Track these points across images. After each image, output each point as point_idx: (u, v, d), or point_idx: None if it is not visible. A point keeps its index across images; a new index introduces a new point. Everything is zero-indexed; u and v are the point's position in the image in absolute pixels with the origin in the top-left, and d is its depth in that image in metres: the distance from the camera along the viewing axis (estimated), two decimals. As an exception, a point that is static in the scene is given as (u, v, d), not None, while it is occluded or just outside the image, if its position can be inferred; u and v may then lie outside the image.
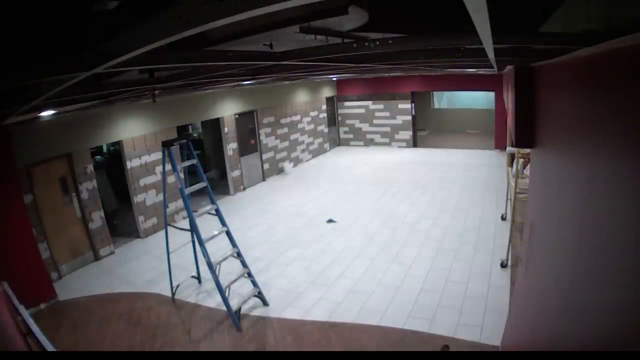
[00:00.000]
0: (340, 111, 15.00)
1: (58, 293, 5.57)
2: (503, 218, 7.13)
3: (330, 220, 7.69)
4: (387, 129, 14.30)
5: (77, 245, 6.51)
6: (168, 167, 7.93)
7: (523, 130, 2.66)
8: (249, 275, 5.08)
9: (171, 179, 8.02)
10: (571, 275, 1.36)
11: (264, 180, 11.12)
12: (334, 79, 12.24)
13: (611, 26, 1.01)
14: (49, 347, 2.60)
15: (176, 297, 5.33)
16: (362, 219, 7.85)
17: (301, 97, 12.60)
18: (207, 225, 5.64)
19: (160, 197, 7.57)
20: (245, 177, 10.45)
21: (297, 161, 12.53)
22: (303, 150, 12.89)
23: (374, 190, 9.64)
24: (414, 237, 6.80)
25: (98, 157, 10.76)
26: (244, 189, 10.38)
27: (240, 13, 0.77)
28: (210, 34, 1.69)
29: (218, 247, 5.24)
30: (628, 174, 0.85)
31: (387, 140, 14.38)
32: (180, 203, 8.26)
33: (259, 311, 4.93)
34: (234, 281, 4.83)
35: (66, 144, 6.28)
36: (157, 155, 7.67)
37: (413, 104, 13.93)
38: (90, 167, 6.76)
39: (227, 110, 9.73)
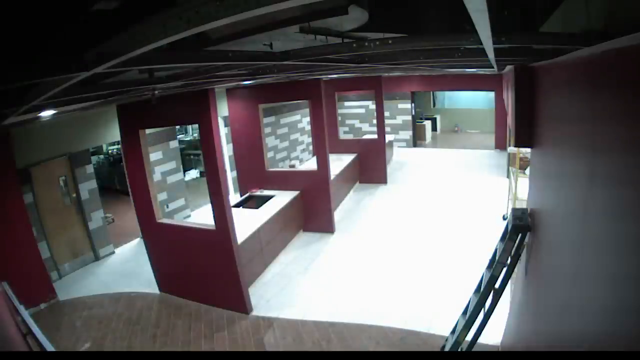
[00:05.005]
0: (340, 111, 14.98)
1: (58, 293, 5.57)
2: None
3: None
4: (387, 128, 14.29)
5: (77, 245, 6.51)
6: (170, 166, 7.97)
7: (523, 130, 2.66)
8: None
9: (171, 178, 8.05)
10: (571, 275, 1.36)
11: (264, 180, 11.12)
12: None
13: (611, 26, 1.00)
14: (49, 347, 2.59)
15: (177, 296, 5.33)
16: (361, 218, 7.85)
17: (301, 97, 12.59)
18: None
19: (162, 196, 7.57)
20: (245, 177, 10.43)
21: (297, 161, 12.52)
22: (303, 150, 12.88)
23: (374, 189, 9.63)
24: (413, 236, 6.80)
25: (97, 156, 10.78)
26: (244, 189, 10.37)
27: (240, 13, 0.77)
28: (210, 33, 1.69)
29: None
30: (628, 173, 0.85)
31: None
32: (180, 202, 8.27)
33: (259, 311, 4.93)
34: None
35: (66, 144, 6.28)
36: (158, 155, 7.67)
37: (413, 104, 13.93)
38: (90, 168, 6.76)
39: (227, 109, 9.72)
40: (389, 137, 11.75)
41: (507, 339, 3.55)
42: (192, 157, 11.97)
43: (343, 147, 10.21)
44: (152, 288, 5.63)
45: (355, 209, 8.37)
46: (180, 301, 5.29)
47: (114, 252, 7.02)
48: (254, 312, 4.91)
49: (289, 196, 6.95)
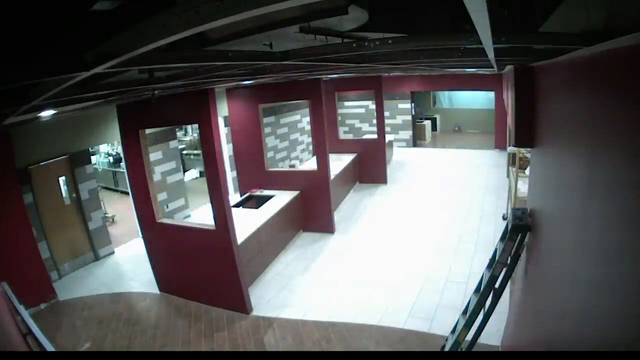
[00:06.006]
0: (340, 111, 14.98)
1: (58, 293, 5.57)
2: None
3: None
4: (387, 128, 14.29)
5: (77, 245, 6.51)
6: (170, 166, 7.96)
7: (523, 130, 2.66)
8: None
9: (171, 178, 8.05)
10: (571, 275, 1.36)
11: (264, 180, 11.11)
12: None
13: (611, 26, 1.00)
14: (49, 347, 2.59)
15: (177, 296, 5.33)
16: (361, 218, 7.85)
17: (301, 96, 12.58)
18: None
19: (162, 196, 7.57)
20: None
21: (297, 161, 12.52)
22: (303, 150, 12.89)
23: (374, 189, 9.64)
24: (413, 236, 6.80)
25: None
26: (244, 188, 10.37)
27: (240, 13, 0.77)
28: (210, 33, 1.69)
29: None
30: (627, 173, 0.85)
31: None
32: (180, 202, 8.27)
33: (259, 311, 4.93)
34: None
35: (66, 144, 6.28)
36: (158, 155, 7.67)
37: (413, 104, 13.93)
38: (90, 168, 6.76)
39: (227, 109, 9.72)
40: (388, 137, 11.75)
41: (507, 339, 3.55)
42: (191, 157, 11.97)
43: (343, 147, 10.21)
44: (152, 288, 5.63)
45: (355, 209, 8.37)
46: (180, 301, 5.29)
47: (113, 252, 7.02)
48: (254, 312, 4.91)
49: (288, 196, 6.95)
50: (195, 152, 11.95)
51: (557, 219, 1.76)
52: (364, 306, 4.87)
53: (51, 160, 6.10)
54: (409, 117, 13.99)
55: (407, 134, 14.15)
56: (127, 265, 6.56)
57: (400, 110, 13.99)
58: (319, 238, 7.00)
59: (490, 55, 1.89)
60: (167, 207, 7.91)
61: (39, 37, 1.16)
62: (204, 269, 5.01)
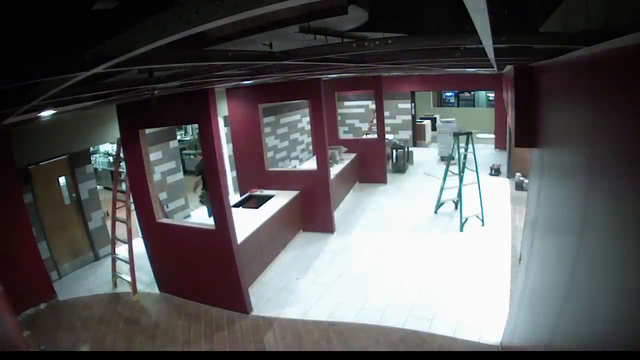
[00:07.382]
0: (339, 111, 14.97)
1: (58, 293, 5.57)
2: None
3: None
4: (387, 128, 14.28)
5: (77, 245, 6.51)
6: (170, 166, 7.96)
7: (523, 130, 2.66)
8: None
9: (171, 178, 8.04)
10: (571, 275, 1.36)
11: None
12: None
13: (611, 26, 1.01)
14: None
15: (177, 296, 5.33)
16: (361, 219, 7.85)
17: (301, 96, 12.57)
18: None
19: (162, 196, 7.57)
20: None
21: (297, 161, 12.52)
22: (303, 150, 12.88)
23: (374, 189, 9.63)
24: (413, 236, 6.80)
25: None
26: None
27: (240, 13, 0.77)
28: (210, 33, 1.69)
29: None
30: (627, 174, 0.85)
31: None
32: (180, 202, 8.27)
33: (259, 311, 4.93)
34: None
35: (66, 144, 6.28)
36: (158, 155, 7.67)
37: (413, 104, 13.92)
38: (90, 168, 6.76)
39: (227, 109, 9.72)
40: (388, 137, 11.75)
41: (506, 338, 3.56)
42: (191, 157, 11.98)
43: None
44: (152, 288, 5.63)
45: (355, 209, 8.37)
46: (180, 301, 5.29)
47: (113, 252, 7.01)
48: (254, 312, 4.91)
49: (288, 196, 6.95)
50: (195, 152, 11.96)
51: (557, 220, 1.77)
52: (364, 306, 4.87)
53: (51, 160, 6.11)
54: (409, 117, 13.98)
55: (407, 134, 14.14)
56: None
57: (400, 110, 13.99)
58: (319, 238, 6.99)
59: (490, 55, 1.89)
60: (167, 207, 7.90)
61: (39, 36, 1.16)
62: (204, 269, 5.01)
